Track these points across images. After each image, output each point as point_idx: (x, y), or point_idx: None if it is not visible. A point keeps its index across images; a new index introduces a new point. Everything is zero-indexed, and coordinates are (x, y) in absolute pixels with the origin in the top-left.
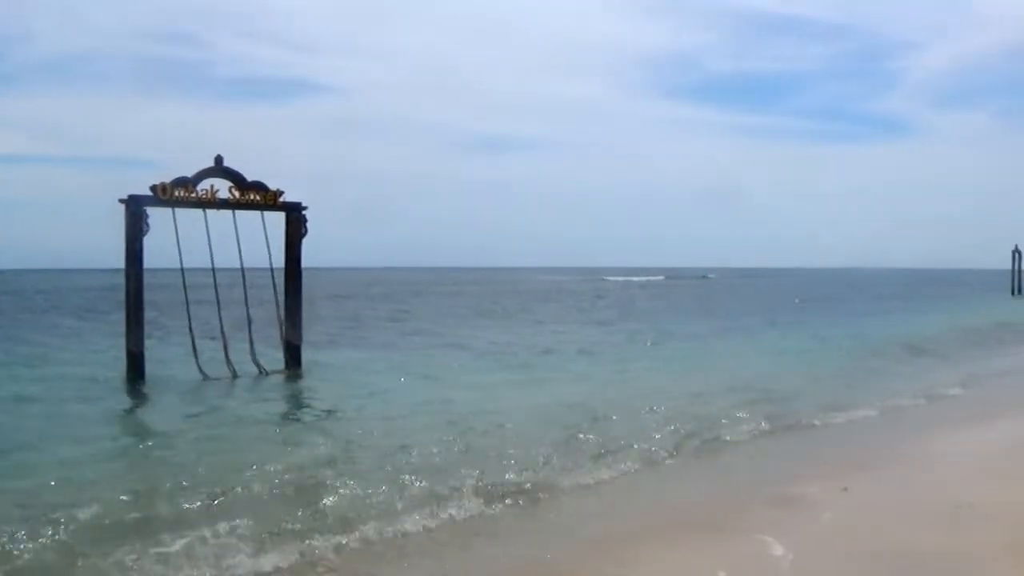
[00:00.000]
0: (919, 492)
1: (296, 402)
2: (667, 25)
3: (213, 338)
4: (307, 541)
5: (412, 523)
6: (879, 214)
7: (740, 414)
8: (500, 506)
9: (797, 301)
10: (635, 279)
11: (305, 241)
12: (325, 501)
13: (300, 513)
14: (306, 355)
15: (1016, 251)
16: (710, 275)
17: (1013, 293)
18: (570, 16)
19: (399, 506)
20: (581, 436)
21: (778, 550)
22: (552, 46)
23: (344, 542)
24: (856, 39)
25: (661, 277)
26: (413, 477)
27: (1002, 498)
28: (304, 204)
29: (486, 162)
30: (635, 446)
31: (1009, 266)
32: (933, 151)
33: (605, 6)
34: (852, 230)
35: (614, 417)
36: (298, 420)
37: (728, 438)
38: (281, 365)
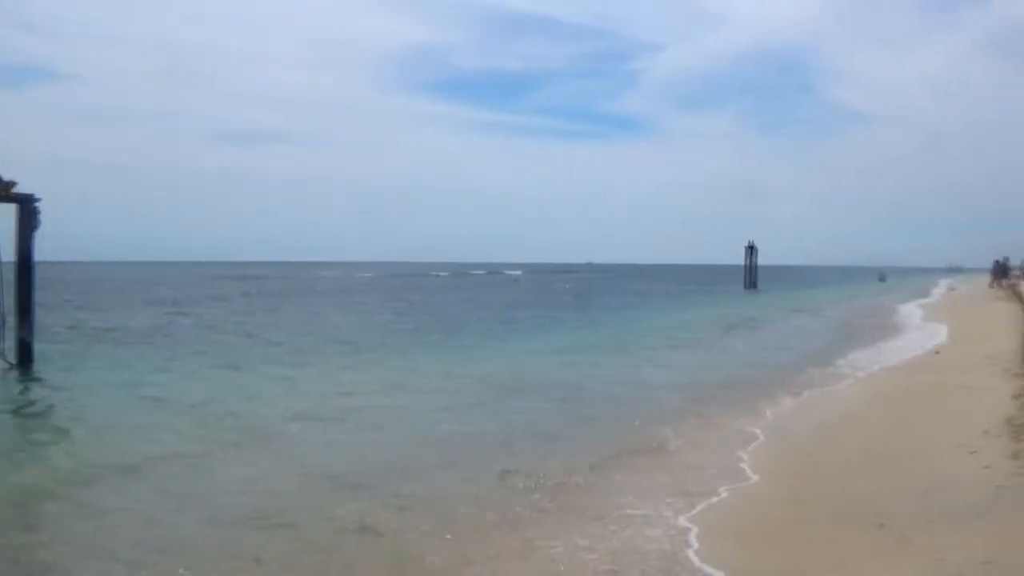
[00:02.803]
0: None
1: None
2: (416, 21)
3: None
4: None
5: None
6: (624, 212)
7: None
8: None
9: None
10: (442, 274)
11: (39, 234)
12: None
13: None
14: (48, 349)
15: (750, 246)
16: (516, 272)
17: (746, 287)
18: (321, 9)
19: None
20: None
21: None
22: (302, 38)
23: None
24: (600, 40)
25: (446, 273)
26: None
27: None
28: (38, 196)
29: (237, 154)
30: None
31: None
32: (676, 150)
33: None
34: (597, 227)
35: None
36: None
37: None
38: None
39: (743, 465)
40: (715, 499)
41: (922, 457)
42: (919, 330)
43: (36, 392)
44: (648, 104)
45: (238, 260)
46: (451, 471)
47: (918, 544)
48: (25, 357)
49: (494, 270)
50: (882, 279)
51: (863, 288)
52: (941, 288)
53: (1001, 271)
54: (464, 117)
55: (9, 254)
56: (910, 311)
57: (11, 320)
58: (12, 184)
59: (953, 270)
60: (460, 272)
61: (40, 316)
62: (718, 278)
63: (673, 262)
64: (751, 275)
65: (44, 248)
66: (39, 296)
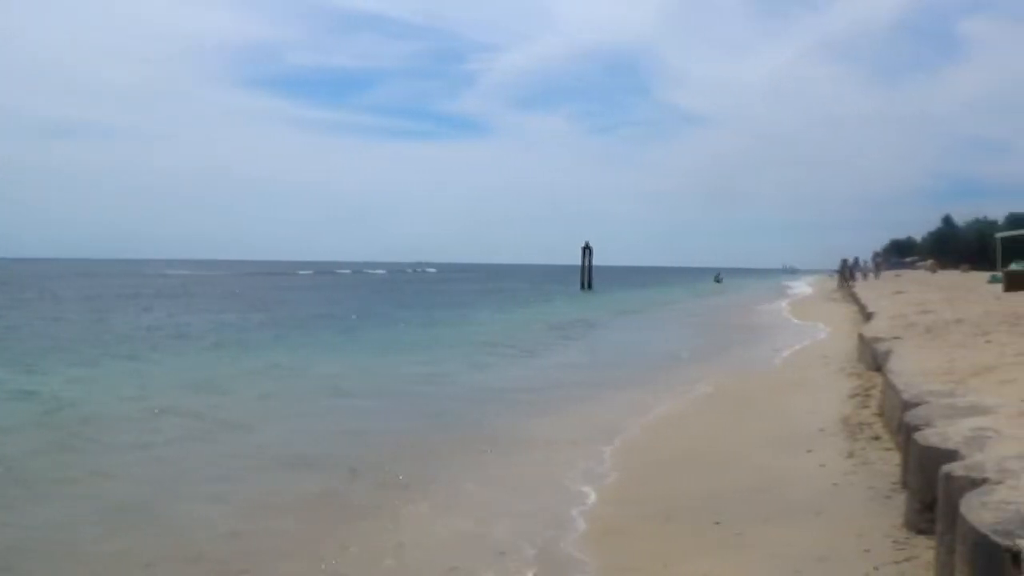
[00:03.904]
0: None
1: None
2: (249, 14)
3: None
4: None
5: None
6: (457, 211)
7: None
8: None
9: None
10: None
11: None
12: None
13: None
14: None
15: (586, 247)
16: (380, 271)
17: (582, 287)
18: (152, 1)
19: None
20: None
21: None
22: (132, 30)
23: None
24: (436, 39)
25: (310, 272)
26: None
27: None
28: None
29: (54, 148)
30: None
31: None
32: (512, 150)
33: None
34: (431, 227)
35: None
36: None
37: None
38: None
39: (578, 465)
40: (546, 499)
41: (758, 455)
42: (756, 338)
43: None
44: (484, 104)
45: (73, 257)
46: (295, 471)
47: (754, 541)
48: None
49: (358, 269)
50: (718, 280)
51: (699, 289)
52: (796, 288)
53: (848, 272)
54: (299, 114)
55: None
56: (755, 311)
57: None
58: None
59: (788, 271)
60: (325, 271)
61: None
62: (555, 278)
63: (511, 262)
64: (587, 275)
65: None
66: None
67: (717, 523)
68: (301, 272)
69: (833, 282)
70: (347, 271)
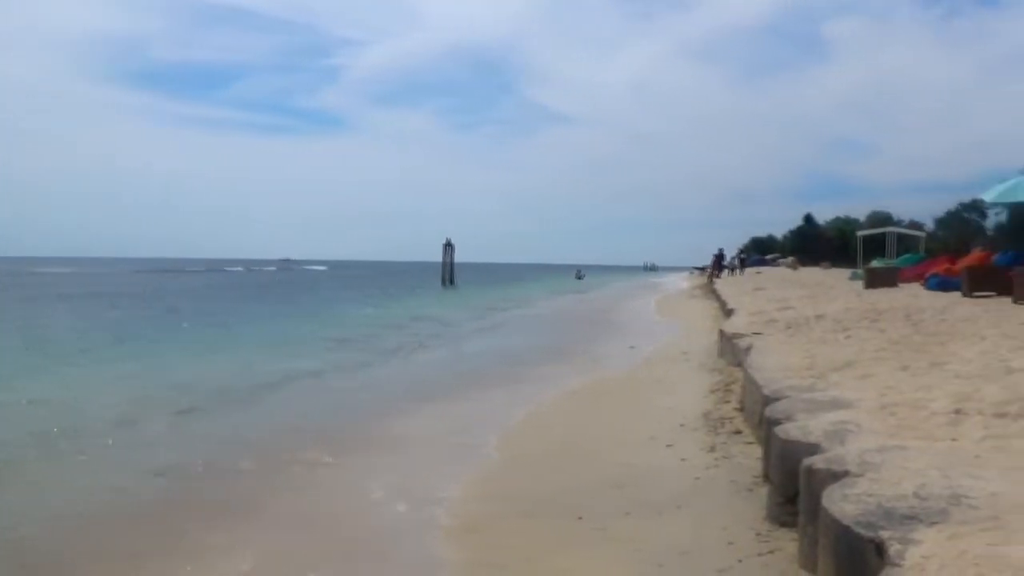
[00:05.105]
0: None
1: None
2: (109, 8)
3: None
4: None
5: None
6: (317, 208)
7: None
8: None
9: None
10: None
11: None
12: None
13: None
14: None
15: (447, 244)
16: (271, 267)
17: (444, 284)
18: None
19: None
20: None
21: None
22: None
23: None
24: (299, 34)
25: (200, 269)
26: None
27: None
28: None
29: None
30: None
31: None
32: (372, 147)
33: None
34: (289, 223)
35: None
36: None
37: None
38: None
39: (440, 462)
40: (406, 496)
41: (619, 451)
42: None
43: None
44: (346, 100)
45: None
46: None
47: (617, 536)
48: None
49: (248, 267)
50: (580, 277)
51: (561, 285)
52: (658, 285)
53: (719, 265)
54: (166, 109)
55: None
56: (616, 308)
57: None
58: None
59: (649, 269)
60: (215, 268)
61: None
62: (417, 275)
63: (372, 258)
64: (449, 272)
65: None
66: None
67: (580, 518)
68: (190, 270)
69: (695, 279)
70: (239, 268)
